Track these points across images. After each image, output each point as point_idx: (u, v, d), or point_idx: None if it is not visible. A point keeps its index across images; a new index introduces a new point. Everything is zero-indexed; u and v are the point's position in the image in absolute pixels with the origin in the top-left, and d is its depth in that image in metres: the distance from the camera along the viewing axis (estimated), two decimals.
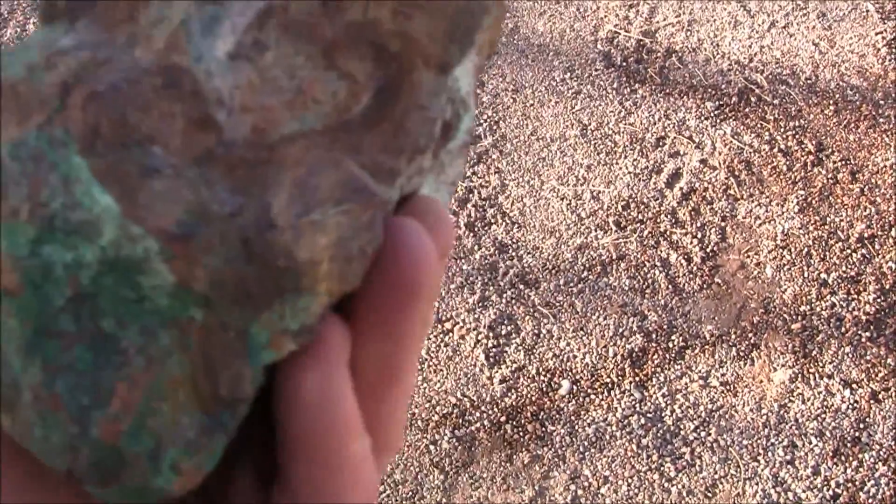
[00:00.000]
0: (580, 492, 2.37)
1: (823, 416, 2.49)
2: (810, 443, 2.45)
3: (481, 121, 3.15)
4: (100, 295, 0.30)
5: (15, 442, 0.33)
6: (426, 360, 2.58)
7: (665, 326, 2.63)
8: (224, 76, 0.31)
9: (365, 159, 0.32)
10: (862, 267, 2.77)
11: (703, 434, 2.46)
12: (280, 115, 0.31)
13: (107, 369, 0.31)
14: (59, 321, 0.31)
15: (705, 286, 2.72)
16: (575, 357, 2.58)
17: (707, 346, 2.60)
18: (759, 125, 3.13)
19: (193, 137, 0.30)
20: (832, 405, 2.51)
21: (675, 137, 3.09)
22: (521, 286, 2.72)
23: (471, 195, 2.92)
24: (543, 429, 2.47)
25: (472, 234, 2.84)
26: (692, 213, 2.88)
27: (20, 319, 0.31)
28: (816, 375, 2.55)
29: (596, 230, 2.84)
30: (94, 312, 0.30)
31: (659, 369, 2.56)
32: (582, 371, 2.56)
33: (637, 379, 2.55)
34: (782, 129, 3.12)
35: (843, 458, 2.43)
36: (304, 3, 0.32)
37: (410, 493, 2.39)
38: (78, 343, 0.31)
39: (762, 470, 2.40)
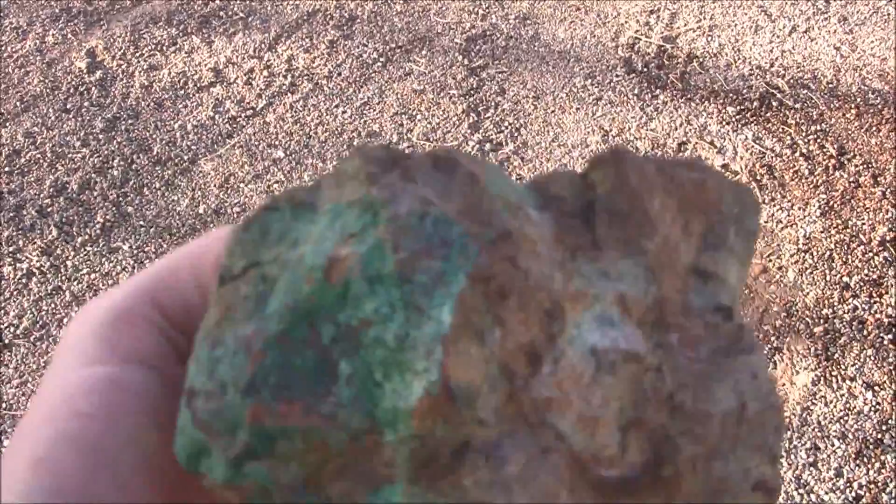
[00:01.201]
0: None
1: (846, 418, 2.48)
2: (833, 445, 2.44)
3: (502, 128, 3.16)
4: None
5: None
6: None
7: None
8: None
9: None
10: (884, 270, 2.76)
11: None
12: None
13: None
14: None
15: None
16: None
17: None
18: (780, 129, 3.13)
19: None
20: (854, 407, 2.50)
21: (696, 143, 3.09)
22: None
23: None
24: None
25: None
26: None
27: None
28: (839, 378, 2.55)
29: None
30: None
31: None
32: None
33: None
34: (804, 133, 3.12)
35: (865, 459, 2.42)
36: None
37: None
38: None
39: (785, 472, 2.40)
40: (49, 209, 2.95)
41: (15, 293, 2.71)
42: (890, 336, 2.62)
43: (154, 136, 3.19)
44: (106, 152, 3.13)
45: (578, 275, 0.37)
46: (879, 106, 3.19)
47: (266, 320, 0.34)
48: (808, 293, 2.72)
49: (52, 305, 2.69)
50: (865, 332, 2.63)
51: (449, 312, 0.33)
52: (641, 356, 0.36)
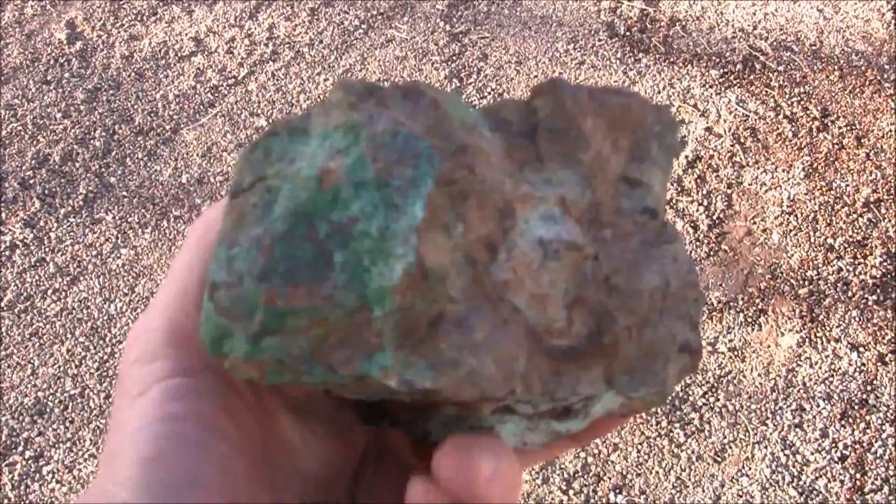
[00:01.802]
0: (590, 458, 2.38)
1: (831, 379, 2.50)
2: (818, 406, 2.45)
3: (485, 93, 3.15)
4: None
5: None
6: None
7: None
8: None
9: None
10: (868, 231, 2.77)
11: (711, 399, 2.47)
12: None
13: None
14: None
15: (712, 253, 2.73)
16: None
17: (714, 313, 2.61)
18: (763, 92, 3.13)
19: None
20: (839, 368, 2.51)
21: (679, 106, 3.09)
22: None
23: None
24: None
25: None
26: (698, 180, 2.89)
27: None
28: (824, 339, 2.56)
29: None
30: None
31: None
32: None
33: None
34: (787, 96, 3.12)
35: (850, 420, 2.43)
36: None
37: None
38: None
39: (770, 433, 2.41)
40: (31, 181, 2.94)
41: None
42: (874, 297, 2.63)
43: (135, 106, 3.17)
44: (87, 123, 3.11)
45: (526, 182, 0.45)
46: (863, 68, 3.19)
47: (273, 222, 0.40)
48: (792, 255, 2.72)
49: (36, 277, 2.69)
50: (850, 294, 2.64)
51: (421, 208, 0.40)
52: (581, 246, 0.44)
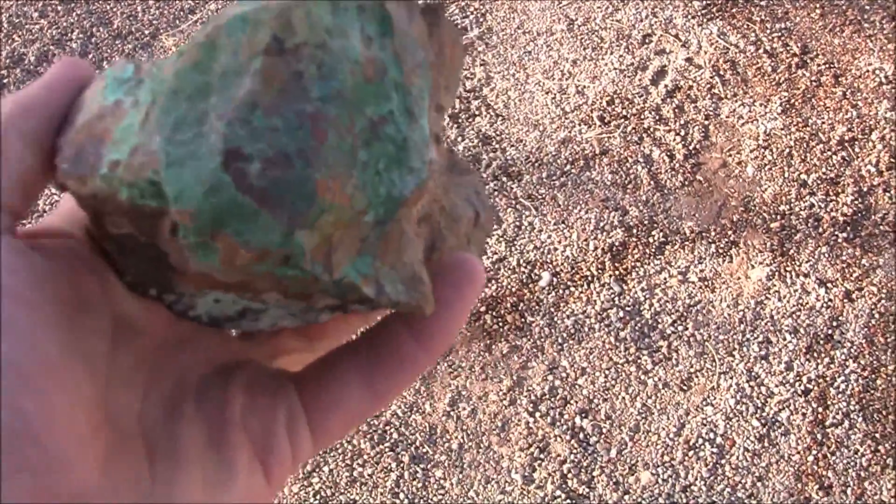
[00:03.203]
0: (558, 382, 2.40)
1: (798, 313, 2.52)
2: (784, 339, 2.48)
3: (467, 13, 3.13)
4: None
5: None
6: None
7: (646, 222, 2.65)
8: None
9: None
10: (841, 169, 2.79)
11: (680, 328, 2.49)
12: None
13: None
14: None
15: (687, 183, 2.74)
16: (555, 249, 2.60)
17: (687, 243, 2.62)
18: (745, 26, 3.13)
19: None
20: (807, 303, 2.54)
21: (661, 35, 3.08)
22: (504, 178, 2.72)
23: None
24: (523, 320, 2.49)
25: (455, 126, 2.84)
26: (676, 110, 2.89)
27: None
28: (793, 274, 2.58)
29: (580, 125, 2.85)
30: None
31: (638, 264, 2.58)
32: (562, 264, 2.58)
33: (616, 273, 2.57)
34: (768, 31, 3.12)
35: (815, 354, 2.46)
36: None
37: None
38: None
39: (737, 364, 2.44)
40: (5, 80, 2.90)
41: None
42: (844, 234, 2.65)
43: (115, 9, 3.13)
44: (65, 24, 3.07)
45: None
46: (844, 7, 3.19)
47: (323, 103, 0.37)
48: (766, 189, 2.74)
49: None
50: (821, 230, 2.66)
51: (426, 123, 0.40)
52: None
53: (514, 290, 2.54)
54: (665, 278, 2.56)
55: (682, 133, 2.83)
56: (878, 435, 2.37)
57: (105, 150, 0.38)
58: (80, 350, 0.37)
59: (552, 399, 2.38)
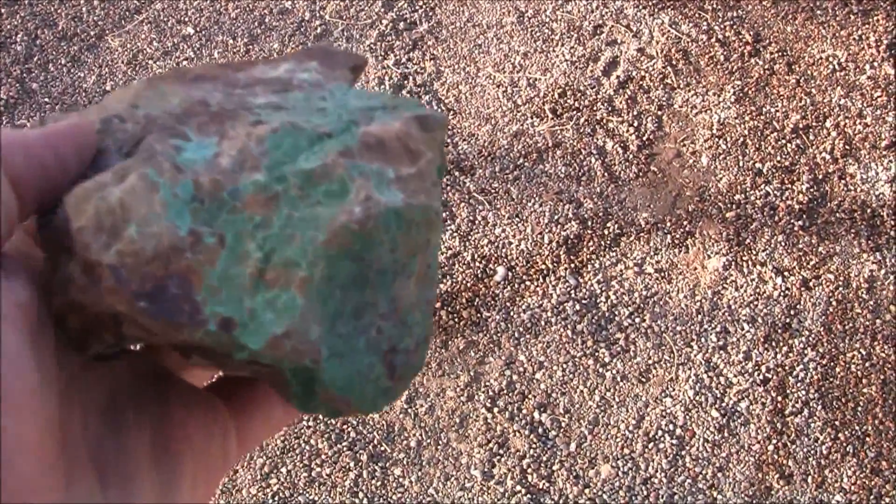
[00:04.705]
0: (515, 377, 2.39)
1: (755, 302, 2.51)
2: (742, 329, 2.47)
3: (416, 7, 3.11)
4: None
5: None
6: None
7: (600, 213, 2.64)
8: None
9: None
10: (796, 157, 2.78)
11: (637, 320, 2.48)
12: None
13: None
14: None
15: (641, 174, 2.73)
16: (510, 244, 2.58)
17: (642, 234, 2.61)
18: (697, 15, 3.12)
19: None
20: (764, 292, 2.53)
21: (612, 26, 3.07)
22: (457, 173, 2.71)
23: (406, 81, 2.90)
24: (479, 315, 2.48)
25: None
26: (629, 101, 2.88)
27: None
28: (749, 263, 2.58)
29: (532, 117, 2.83)
30: None
31: (594, 256, 2.57)
32: (517, 258, 2.56)
33: (572, 265, 2.55)
34: (720, 19, 3.11)
35: (773, 343, 2.46)
36: None
37: None
38: None
39: (695, 355, 2.43)
40: None
41: None
42: (800, 222, 2.65)
43: (59, 10, 3.09)
44: (8, 27, 3.03)
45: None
46: None
47: None
48: (721, 178, 2.73)
49: None
50: (777, 218, 2.65)
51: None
52: None
53: (469, 285, 2.52)
54: (621, 270, 2.55)
55: (636, 124, 2.82)
56: (837, 423, 2.36)
57: (198, 296, 0.36)
58: (48, 371, 0.36)
59: (510, 394, 2.37)
